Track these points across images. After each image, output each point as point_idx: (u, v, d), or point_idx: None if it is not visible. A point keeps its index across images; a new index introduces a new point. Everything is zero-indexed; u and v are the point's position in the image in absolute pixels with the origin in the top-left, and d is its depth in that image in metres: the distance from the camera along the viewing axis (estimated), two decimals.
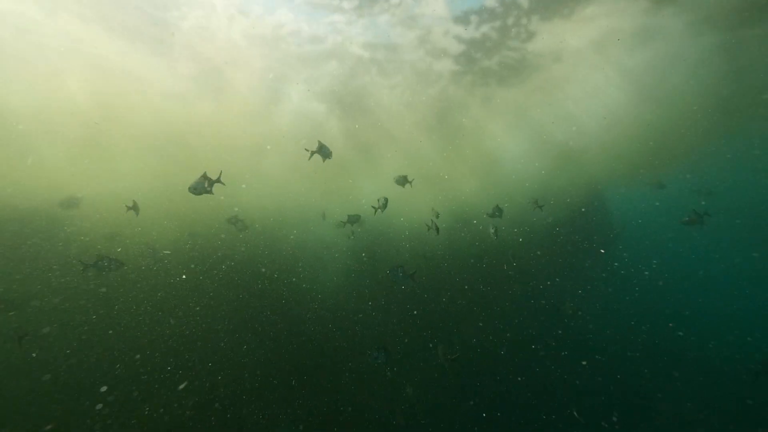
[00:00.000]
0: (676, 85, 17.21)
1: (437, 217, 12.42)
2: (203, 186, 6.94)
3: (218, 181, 7.14)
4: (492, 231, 10.07)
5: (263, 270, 17.28)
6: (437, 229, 9.46)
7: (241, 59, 14.61)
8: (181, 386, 11.03)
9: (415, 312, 15.84)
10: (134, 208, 9.37)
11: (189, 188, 6.90)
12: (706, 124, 20.74)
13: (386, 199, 9.45)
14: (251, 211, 23.65)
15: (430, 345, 14.30)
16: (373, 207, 10.02)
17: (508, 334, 15.02)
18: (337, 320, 15.15)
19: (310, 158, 8.20)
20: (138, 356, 11.41)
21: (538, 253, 19.18)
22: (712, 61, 15.24)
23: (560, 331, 15.40)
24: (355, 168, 24.94)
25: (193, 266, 16.11)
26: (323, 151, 8.11)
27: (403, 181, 10.41)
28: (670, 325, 18.82)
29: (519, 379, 13.49)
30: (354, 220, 11.70)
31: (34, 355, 10.19)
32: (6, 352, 9.76)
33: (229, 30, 12.94)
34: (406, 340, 14.51)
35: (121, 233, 16.75)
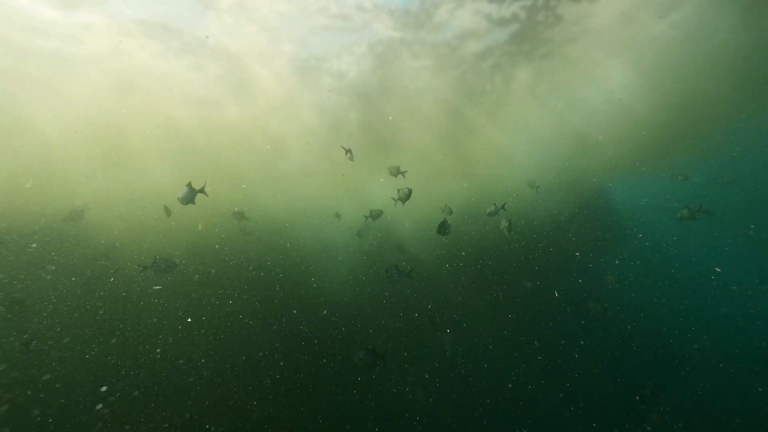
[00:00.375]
0: (699, 56, 15.99)
1: (450, 213, 11.77)
2: (192, 195, 7.20)
3: (202, 191, 7.32)
4: (505, 225, 9.16)
5: (275, 270, 16.96)
6: (446, 229, 8.66)
7: (270, 42, 13.97)
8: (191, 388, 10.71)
9: (430, 309, 15.41)
10: (167, 211, 10.33)
11: (178, 198, 7.15)
12: (731, 100, 19.33)
13: (410, 190, 8.86)
14: (263, 212, 23.28)
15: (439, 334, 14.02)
16: (393, 199, 9.49)
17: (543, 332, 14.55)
18: (352, 319, 14.77)
19: (346, 154, 9.12)
20: (149, 357, 11.12)
21: (552, 250, 18.53)
22: (739, 25, 14.11)
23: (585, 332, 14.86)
24: (372, 164, 24.29)
25: (206, 268, 15.82)
26: (350, 153, 9.20)
27: (396, 171, 10.20)
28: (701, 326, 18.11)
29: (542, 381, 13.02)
30: (376, 215, 11.40)
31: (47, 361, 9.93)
32: (7, 354, 9.52)
33: (261, 9, 12.34)
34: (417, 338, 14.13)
35: (133, 240, 16.57)
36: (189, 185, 7.22)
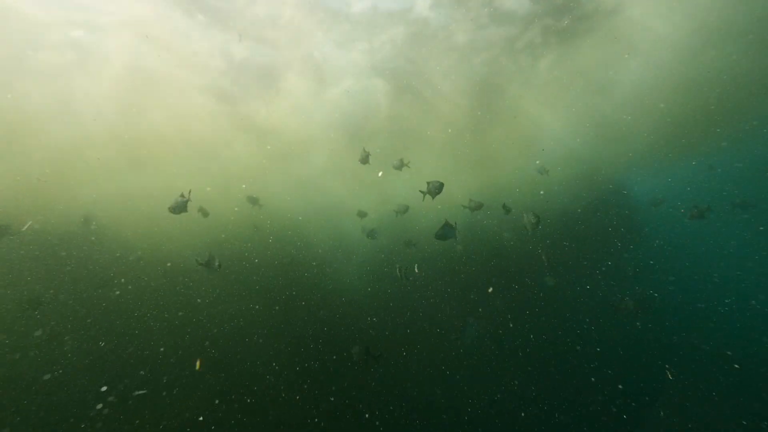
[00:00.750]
0: (735, 29, 14.51)
1: (480, 208, 11.09)
2: (183, 205, 7.37)
3: (188, 199, 7.46)
4: (531, 221, 7.86)
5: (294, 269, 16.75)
6: (448, 235, 7.48)
7: (299, 26, 13.28)
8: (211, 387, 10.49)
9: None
10: (203, 211, 10.94)
11: (169, 208, 7.35)
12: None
13: (441, 184, 8.20)
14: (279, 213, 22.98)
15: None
16: (422, 192, 8.89)
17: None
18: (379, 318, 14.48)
19: (365, 157, 9.33)
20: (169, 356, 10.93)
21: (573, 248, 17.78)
22: None
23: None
24: (397, 156, 23.47)
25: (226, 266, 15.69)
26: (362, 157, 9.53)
27: (400, 165, 10.28)
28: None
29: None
30: (403, 210, 11.65)
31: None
32: (8, 353, 9.38)
33: None
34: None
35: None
36: (182, 194, 7.45)
